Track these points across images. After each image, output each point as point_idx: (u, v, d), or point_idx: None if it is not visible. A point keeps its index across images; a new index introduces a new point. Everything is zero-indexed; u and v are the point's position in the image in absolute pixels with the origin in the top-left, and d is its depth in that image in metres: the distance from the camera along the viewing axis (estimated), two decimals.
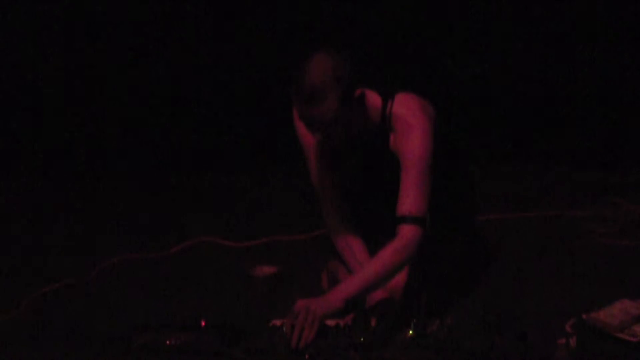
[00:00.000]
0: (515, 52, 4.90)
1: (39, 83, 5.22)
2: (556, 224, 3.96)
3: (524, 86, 4.91)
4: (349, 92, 2.86)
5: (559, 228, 3.91)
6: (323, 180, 3.17)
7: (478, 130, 4.84)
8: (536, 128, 4.91)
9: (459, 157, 3.26)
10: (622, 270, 3.39)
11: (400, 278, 3.02)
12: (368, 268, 2.93)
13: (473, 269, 3.34)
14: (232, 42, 5.11)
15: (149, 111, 5.19)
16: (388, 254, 2.91)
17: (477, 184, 3.45)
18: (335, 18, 4.96)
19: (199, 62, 5.16)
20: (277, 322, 2.90)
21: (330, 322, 2.84)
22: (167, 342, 2.88)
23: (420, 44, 4.95)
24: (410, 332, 2.78)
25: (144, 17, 5.12)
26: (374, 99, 3.01)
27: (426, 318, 2.82)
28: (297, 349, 2.77)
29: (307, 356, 2.74)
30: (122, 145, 5.19)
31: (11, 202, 4.77)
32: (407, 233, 2.91)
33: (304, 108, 2.85)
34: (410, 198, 2.92)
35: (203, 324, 2.95)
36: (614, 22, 4.79)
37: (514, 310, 3.03)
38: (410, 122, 2.96)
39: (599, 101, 4.83)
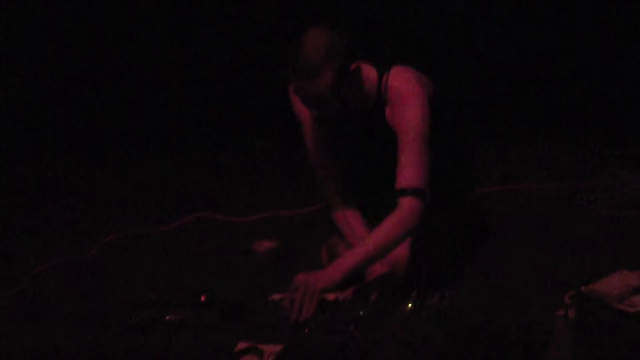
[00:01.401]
0: (514, 25, 4.89)
1: (43, 66, 5.24)
2: (556, 195, 3.96)
3: (526, 59, 4.91)
4: (344, 67, 2.85)
5: (559, 200, 3.91)
6: (320, 155, 3.16)
7: (478, 102, 4.85)
8: (537, 100, 4.91)
9: (457, 129, 3.25)
10: (621, 242, 3.38)
11: (402, 252, 3.01)
12: (368, 241, 2.92)
13: (473, 241, 3.34)
14: (228, 21, 5.11)
15: (148, 90, 5.20)
16: (388, 226, 2.90)
17: (476, 156, 3.44)
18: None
19: (195, 42, 5.16)
20: (277, 297, 2.91)
21: (330, 296, 2.84)
22: (167, 317, 2.88)
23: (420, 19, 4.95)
24: (410, 305, 2.78)
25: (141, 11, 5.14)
26: (370, 72, 3.00)
27: (426, 291, 2.82)
28: (296, 323, 2.77)
29: (306, 330, 2.74)
30: (121, 124, 5.20)
31: (12, 180, 4.77)
32: (407, 206, 2.90)
33: (299, 83, 2.84)
34: (408, 171, 2.91)
35: (203, 299, 2.95)
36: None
37: (513, 283, 3.04)
38: (406, 95, 2.95)
39: (600, 73, 4.83)
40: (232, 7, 5.07)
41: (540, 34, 4.87)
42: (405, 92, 2.96)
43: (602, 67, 4.82)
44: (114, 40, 5.19)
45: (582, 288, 2.62)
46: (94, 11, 5.19)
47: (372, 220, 3.09)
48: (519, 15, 4.86)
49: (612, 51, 4.80)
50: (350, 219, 3.17)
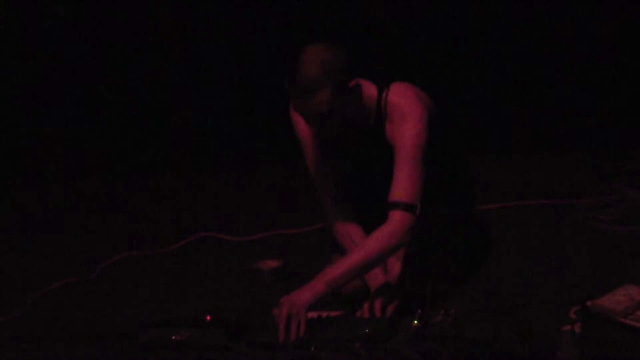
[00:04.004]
0: (513, 39, 4.90)
1: (39, 82, 5.24)
2: (559, 211, 3.96)
3: (525, 74, 4.91)
4: (343, 83, 2.87)
5: (562, 215, 3.91)
6: (321, 171, 3.17)
7: (478, 118, 4.85)
8: (537, 115, 4.91)
9: (457, 145, 3.26)
10: (625, 256, 3.38)
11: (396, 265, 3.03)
12: (353, 253, 2.94)
13: (476, 258, 3.35)
14: (227, 40, 5.12)
15: (149, 110, 5.20)
16: (374, 239, 2.92)
17: (477, 173, 3.45)
18: (335, 13, 4.96)
19: (195, 61, 5.16)
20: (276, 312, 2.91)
21: (312, 314, 2.84)
22: (173, 337, 2.88)
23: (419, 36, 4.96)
24: (415, 322, 2.78)
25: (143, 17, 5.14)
26: (370, 89, 3.02)
27: (430, 308, 2.82)
28: (301, 342, 2.77)
29: (312, 349, 2.74)
30: (122, 144, 5.20)
31: (13, 202, 4.78)
32: (396, 219, 2.91)
33: (298, 100, 2.87)
34: (401, 185, 2.93)
35: (208, 319, 2.96)
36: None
37: (518, 299, 3.04)
38: (405, 111, 2.97)
39: (601, 88, 4.83)
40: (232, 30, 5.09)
41: (539, 50, 4.88)
42: (404, 108, 2.98)
43: (602, 82, 4.82)
44: (120, 60, 5.20)
45: (588, 303, 2.61)
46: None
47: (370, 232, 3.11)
48: (519, 30, 4.87)
49: (613, 67, 4.80)
50: (351, 235, 3.17)
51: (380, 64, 4.80)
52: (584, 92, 4.85)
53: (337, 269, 2.90)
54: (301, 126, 3.11)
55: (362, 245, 2.95)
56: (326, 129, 2.93)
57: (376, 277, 3.05)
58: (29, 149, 5.24)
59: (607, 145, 4.67)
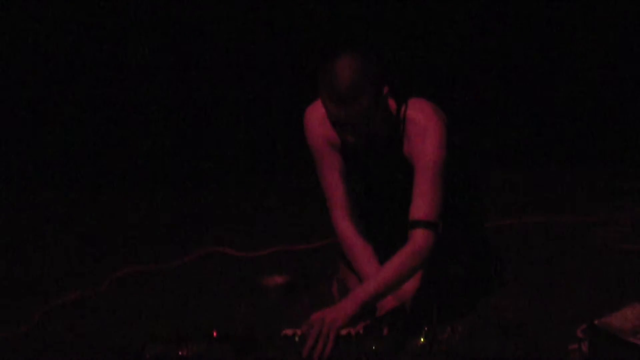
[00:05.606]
0: (516, 56, 4.91)
1: (45, 90, 5.24)
2: (566, 229, 3.96)
3: (530, 90, 4.92)
4: (380, 89, 2.86)
5: (569, 233, 3.91)
6: (333, 182, 3.14)
7: (485, 135, 4.85)
8: (544, 133, 4.91)
9: (468, 163, 3.26)
10: (633, 275, 3.38)
11: (411, 285, 3.01)
12: (381, 273, 2.92)
13: (483, 275, 3.34)
14: (237, 53, 5.13)
15: (158, 125, 5.21)
16: (402, 259, 2.90)
17: (486, 190, 3.45)
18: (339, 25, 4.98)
19: (205, 74, 5.17)
20: (289, 332, 2.90)
21: (343, 331, 2.84)
22: (180, 353, 2.88)
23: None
24: (422, 339, 2.78)
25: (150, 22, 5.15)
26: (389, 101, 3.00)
27: (437, 325, 2.82)
28: (309, 359, 2.77)
29: None
30: (131, 158, 5.21)
31: (21, 215, 4.78)
32: (420, 238, 2.90)
33: (338, 108, 2.82)
34: (423, 203, 2.91)
35: (215, 334, 2.96)
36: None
37: (525, 316, 3.03)
38: (425, 126, 2.96)
39: (608, 105, 4.84)
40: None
41: (552, 66, 4.89)
42: (424, 125, 2.96)
43: (614, 100, 4.83)
44: (131, 71, 5.22)
45: (595, 321, 2.61)
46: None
47: (382, 248, 3.10)
48: (523, 45, 4.88)
49: (626, 84, 4.81)
50: (361, 251, 3.14)
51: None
52: (591, 109, 4.86)
53: (367, 291, 2.87)
54: (315, 135, 3.09)
55: (388, 266, 2.91)
56: (356, 139, 2.90)
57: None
58: (36, 162, 5.25)
59: (617, 163, 4.67)
